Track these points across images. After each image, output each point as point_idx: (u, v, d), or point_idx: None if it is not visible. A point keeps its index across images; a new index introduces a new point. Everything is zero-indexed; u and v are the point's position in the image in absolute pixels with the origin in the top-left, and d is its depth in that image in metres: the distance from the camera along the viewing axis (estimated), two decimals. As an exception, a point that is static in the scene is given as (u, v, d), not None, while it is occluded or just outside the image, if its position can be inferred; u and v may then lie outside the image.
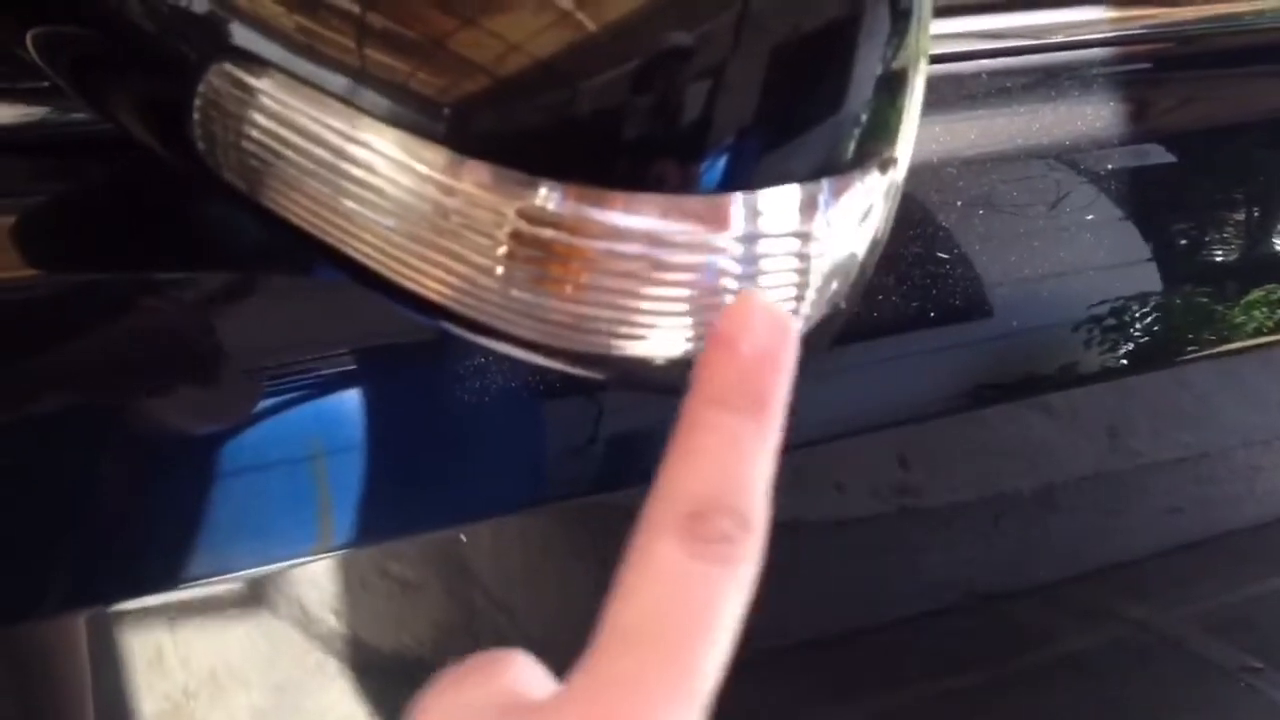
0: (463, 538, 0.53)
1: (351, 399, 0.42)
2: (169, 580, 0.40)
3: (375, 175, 0.26)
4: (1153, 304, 0.62)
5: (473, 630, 0.56)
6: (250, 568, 0.43)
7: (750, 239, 0.26)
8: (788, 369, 0.25)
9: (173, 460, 0.39)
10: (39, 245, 0.39)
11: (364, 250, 0.28)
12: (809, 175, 0.26)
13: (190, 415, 0.40)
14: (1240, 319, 0.66)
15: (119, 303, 0.39)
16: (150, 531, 0.39)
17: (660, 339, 0.27)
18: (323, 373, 0.41)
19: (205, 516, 0.39)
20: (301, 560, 0.44)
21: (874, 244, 0.30)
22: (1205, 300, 0.66)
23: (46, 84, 0.37)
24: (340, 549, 0.43)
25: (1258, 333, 0.66)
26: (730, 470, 0.24)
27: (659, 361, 0.28)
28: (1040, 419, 0.62)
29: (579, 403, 0.47)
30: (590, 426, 0.47)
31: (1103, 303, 0.60)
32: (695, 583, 0.23)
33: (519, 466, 0.47)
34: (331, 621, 0.53)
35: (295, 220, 0.29)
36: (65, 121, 0.38)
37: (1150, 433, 0.65)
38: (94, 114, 0.35)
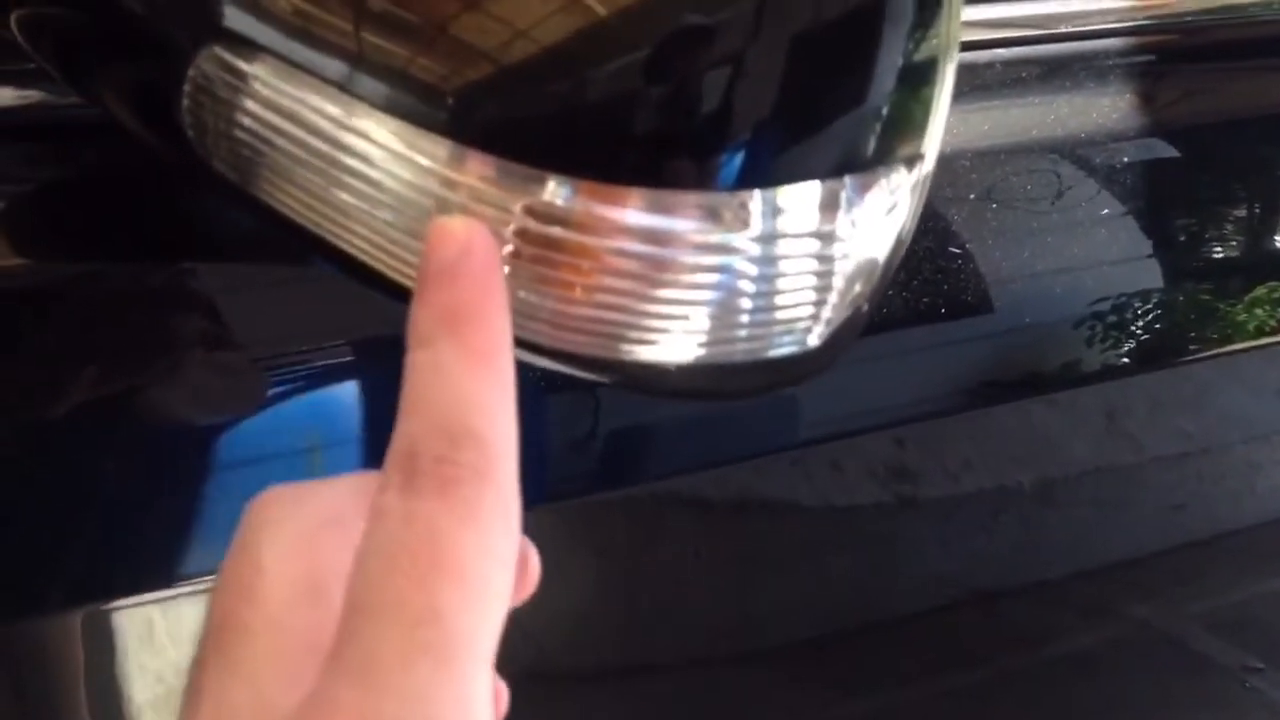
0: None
1: (348, 391, 0.41)
2: (165, 578, 0.39)
3: (372, 167, 0.25)
4: (1155, 301, 0.61)
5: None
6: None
7: (769, 239, 0.25)
8: (487, 281, 0.22)
9: (169, 454, 0.39)
10: (24, 234, 0.37)
11: (360, 245, 0.27)
12: (831, 172, 0.25)
13: (187, 408, 0.39)
14: (1242, 317, 0.66)
15: (110, 295, 0.38)
16: (146, 527, 0.39)
17: (672, 344, 0.26)
18: (319, 364, 0.41)
19: (201, 510, 0.39)
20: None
21: (899, 242, 0.29)
22: (1208, 298, 0.65)
23: (32, 66, 0.36)
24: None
25: (1260, 331, 0.66)
26: (436, 398, 0.21)
27: (670, 368, 0.27)
28: (1040, 407, 0.61)
29: (580, 398, 0.46)
30: (589, 422, 0.46)
31: (1105, 299, 0.59)
32: (417, 522, 0.20)
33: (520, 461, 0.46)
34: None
35: (287, 213, 0.28)
36: (52, 105, 0.37)
37: (1151, 427, 0.65)
38: (80, 98, 0.34)
